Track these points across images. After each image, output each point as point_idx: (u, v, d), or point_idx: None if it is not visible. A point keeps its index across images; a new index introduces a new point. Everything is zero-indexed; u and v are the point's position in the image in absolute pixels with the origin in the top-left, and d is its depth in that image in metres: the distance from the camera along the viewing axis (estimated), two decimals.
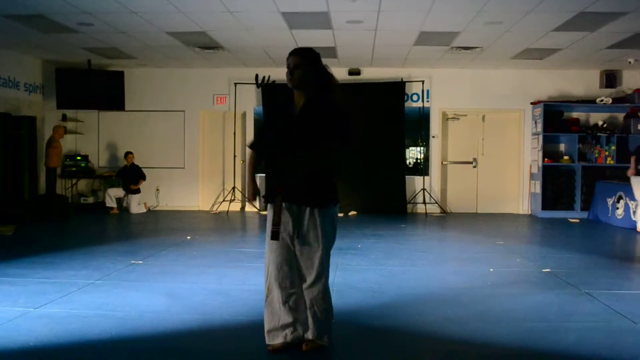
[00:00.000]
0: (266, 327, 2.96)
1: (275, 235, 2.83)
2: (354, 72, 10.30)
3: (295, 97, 2.92)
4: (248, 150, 3.23)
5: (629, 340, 3.19)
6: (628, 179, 8.01)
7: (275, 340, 2.93)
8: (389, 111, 10.12)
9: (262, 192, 3.07)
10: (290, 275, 2.89)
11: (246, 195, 3.14)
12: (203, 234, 7.44)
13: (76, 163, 10.37)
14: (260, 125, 2.84)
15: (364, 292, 4.22)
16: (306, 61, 2.87)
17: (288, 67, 2.86)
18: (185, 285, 4.38)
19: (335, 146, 2.81)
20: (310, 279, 2.87)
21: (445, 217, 9.71)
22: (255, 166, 3.09)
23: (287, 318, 2.91)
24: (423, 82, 10.12)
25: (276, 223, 2.83)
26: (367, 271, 5.00)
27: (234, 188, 10.21)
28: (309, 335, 2.93)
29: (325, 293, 2.91)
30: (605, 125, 9.84)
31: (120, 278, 4.64)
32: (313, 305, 2.89)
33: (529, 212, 10.30)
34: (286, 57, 2.92)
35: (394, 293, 4.23)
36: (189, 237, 6.98)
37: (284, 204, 2.85)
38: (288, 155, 2.86)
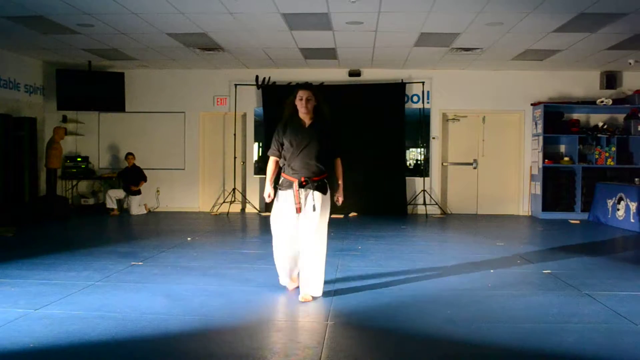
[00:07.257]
0: (283, 274, 4.24)
1: (300, 210, 3.96)
2: (354, 73, 10.31)
3: (300, 116, 4.10)
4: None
5: (630, 342, 3.19)
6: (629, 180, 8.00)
7: (290, 283, 4.27)
8: (389, 112, 10.12)
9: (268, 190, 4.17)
10: (294, 238, 4.04)
11: (265, 195, 4.20)
12: (203, 235, 7.44)
13: (76, 164, 10.38)
14: (274, 135, 4.24)
15: (365, 294, 4.23)
16: (316, 97, 4.11)
17: (304, 99, 4.04)
18: (185, 287, 4.38)
19: (337, 155, 4.24)
20: (311, 241, 3.94)
21: (446, 219, 9.71)
22: (275, 170, 4.19)
23: (294, 265, 4.18)
24: (423, 83, 10.13)
25: (299, 201, 3.96)
26: (367, 272, 5.00)
27: (234, 189, 10.21)
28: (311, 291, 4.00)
29: (323, 251, 4.04)
30: (605, 127, 9.83)
31: (120, 279, 4.64)
32: (311, 264, 3.97)
33: (530, 214, 10.30)
34: (300, 84, 4.28)
35: (394, 294, 4.23)
36: (189, 239, 6.99)
37: (301, 190, 3.98)
38: (306, 157, 4.01)
